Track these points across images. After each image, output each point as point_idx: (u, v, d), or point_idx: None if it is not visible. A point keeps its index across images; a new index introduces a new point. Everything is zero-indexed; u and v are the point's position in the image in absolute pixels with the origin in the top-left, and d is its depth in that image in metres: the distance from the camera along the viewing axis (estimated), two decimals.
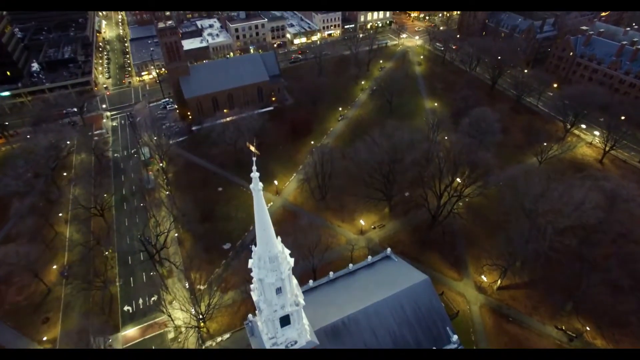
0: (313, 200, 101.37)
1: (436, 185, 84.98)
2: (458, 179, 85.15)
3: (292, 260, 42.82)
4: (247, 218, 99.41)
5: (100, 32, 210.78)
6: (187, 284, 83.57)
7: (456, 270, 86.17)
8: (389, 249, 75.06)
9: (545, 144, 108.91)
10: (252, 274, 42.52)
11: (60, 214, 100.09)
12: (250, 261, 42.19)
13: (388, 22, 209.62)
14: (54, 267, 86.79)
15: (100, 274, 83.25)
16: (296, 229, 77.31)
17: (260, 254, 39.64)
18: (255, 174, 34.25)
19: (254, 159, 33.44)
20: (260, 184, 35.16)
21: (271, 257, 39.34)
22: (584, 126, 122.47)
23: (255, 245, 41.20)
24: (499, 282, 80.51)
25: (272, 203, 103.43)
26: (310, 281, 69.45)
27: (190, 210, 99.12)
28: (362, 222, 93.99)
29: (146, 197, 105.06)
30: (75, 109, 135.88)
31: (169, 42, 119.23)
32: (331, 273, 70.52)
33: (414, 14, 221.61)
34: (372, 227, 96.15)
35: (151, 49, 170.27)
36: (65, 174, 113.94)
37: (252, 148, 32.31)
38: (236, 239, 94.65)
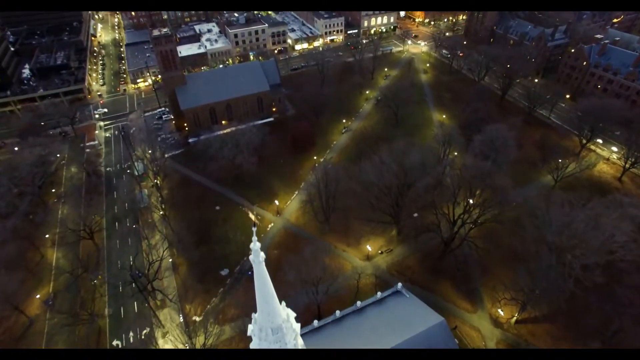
0: (316, 222, 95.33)
1: (449, 212, 78.96)
2: (472, 204, 79.10)
3: (298, 327, 36.82)
4: (245, 240, 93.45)
5: (95, 36, 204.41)
6: (181, 317, 77.51)
7: (470, 301, 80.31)
8: (399, 284, 69.33)
9: (560, 160, 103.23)
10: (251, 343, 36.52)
11: (47, 235, 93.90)
12: (250, 328, 36.17)
13: (392, 27, 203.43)
14: (37, 296, 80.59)
15: (87, 306, 77.07)
16: (299, 261, 71.20)
17: (261, 325, 33.62)
18: (256, 245, 28.23)
19: (254, 229, 27.46)
20: (262, 255, 29.11)
21: (274, 329, 33.35)
22: (600, 141, 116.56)
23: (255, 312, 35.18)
24: (517, 316, 74.69)
25: (272, 224, 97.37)
26: (315, 321, 63.46)
27: (185, 232, 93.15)
28: (368, 247, 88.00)
29: (139, 217, 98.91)
30: (68, 118, 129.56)
31: (164, 51, 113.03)
32: (337, 312, 64.78)
33: (418, 19, 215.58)
34: (379, 252, 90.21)
35: (147, 54, 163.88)
36: (54, 190, 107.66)
37: (252, 217, 26.36)
38: (234, 264, 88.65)
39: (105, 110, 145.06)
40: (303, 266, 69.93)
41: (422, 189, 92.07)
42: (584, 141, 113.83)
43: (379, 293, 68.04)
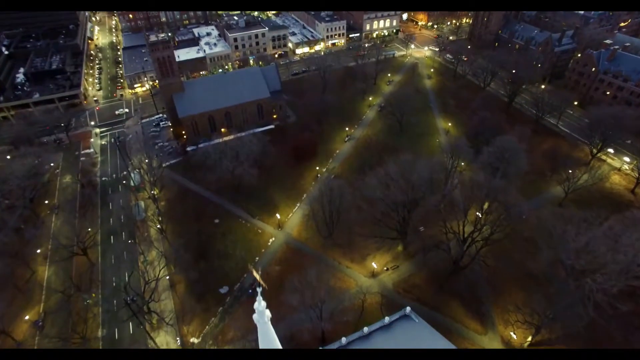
0: (319, 237, 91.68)
1: (459, 230, 75.35)
2: (483, 222, 75.42)
3: None
4: (246, 256, 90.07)
5: (92, 39, 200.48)
6: (178, 340, 73.78)
7: (479, 321, 76.72)
8: (408, 308, 65.71)
9: (570, 171, 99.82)
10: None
11: (39, 251, 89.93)
12: None
13: (394, 31, 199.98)
14: (26, 317, 76.54)
15: (79, 328, 73.12)
16: (303, 284, 67.46)
17: None
18: (261, 305, 24.51)
19: (259, 289, 23.79)
20: (268, 314, 25.37)
21: None
22: (611, 151, 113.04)
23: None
24: (531, 339, 71.10)
25: (273, 239, 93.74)
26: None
27: (183, 247, 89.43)
28: (374, 264, 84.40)
29: (135, 231, 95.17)
30: (62, 125, 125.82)
31: (161, 57, 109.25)
32: (344, 339, 61.10)
33: (421, 22, 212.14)
34: (385, 268, 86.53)
35: (145, 59, 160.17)
36: (47, 201, 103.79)
37: (257, 276, 22.76)
38: (234, 281, 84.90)
39: (127, 110, 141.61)
40: (307, 289, 66.21)
41: (428, 201, 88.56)
42: (595, 151, 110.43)
43: (386, 318, 64.38)
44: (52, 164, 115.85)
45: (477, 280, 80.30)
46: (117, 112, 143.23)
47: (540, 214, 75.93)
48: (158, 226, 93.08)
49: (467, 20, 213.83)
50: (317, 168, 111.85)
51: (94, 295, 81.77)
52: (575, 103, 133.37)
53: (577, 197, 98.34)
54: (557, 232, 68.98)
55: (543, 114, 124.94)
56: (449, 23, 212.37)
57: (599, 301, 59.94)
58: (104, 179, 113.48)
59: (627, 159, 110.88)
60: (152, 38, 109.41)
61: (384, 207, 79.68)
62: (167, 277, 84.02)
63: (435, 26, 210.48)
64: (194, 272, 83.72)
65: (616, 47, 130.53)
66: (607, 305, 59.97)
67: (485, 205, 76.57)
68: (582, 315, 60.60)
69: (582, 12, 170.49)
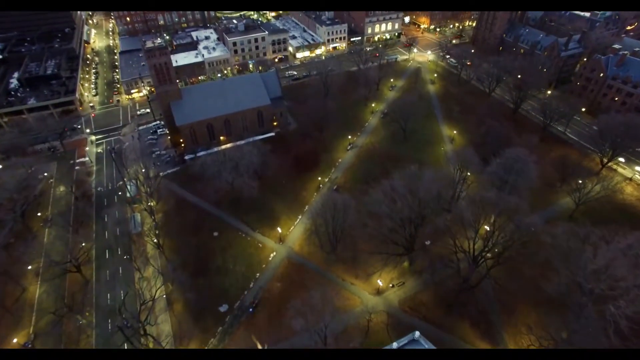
0: (322, 252, 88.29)
1: (470, 248, 72.03)
2: (494, 241, 72.11)
3: None
4: (246, 272, 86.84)
5: (89, 43, 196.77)
6: None
7: (489, 342, 73.49)
8: (417, 333, 62.21)
9: (580, 181, 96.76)
10: None
11: (30, 267, 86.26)
12: None
13: (396, 34, 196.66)
14: (15, 340, 72.76)
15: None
16: (306, 308, 64.10)
17: None
18: None
19: None
20: None
21: None
22: (622, 160, 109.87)
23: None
24: None
25: (274, 253, 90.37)
26: None
27: (181, 263, 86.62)
28: (379, 282, 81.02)
29: (132, 245, 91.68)
30: (57, 133, 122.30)
31: (157, 64, 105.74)
32: None
33: (423, 25, 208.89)
34: (391, 285, 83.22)
35: (142, 63, 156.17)
36: (39, 214, 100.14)
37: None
38: (234, 299, 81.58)
39: (148, 110, 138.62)
40: (310, 313, 62.90)
41: (435, 214, 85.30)
42: (605, 160, 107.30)
43: (394, 343, 61.02)
44: (45, 174, 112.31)
45: (487, 300, 77.01)
46: (138, 113, 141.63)
47: (553, 231, 72.27)
48: (155, 240, 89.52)
49: (470, 24, 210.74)
50: (319, 178, 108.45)
51: (87, 314, 78.33)
52: (583, 109, 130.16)
53: (588, 209, 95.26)
54: (573, 252, 65.60)
55: (551, 121, 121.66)
56: (451, 26, 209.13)
57: (622, 328, 56.60)
58: (99, 189, 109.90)
59: (639, 168, 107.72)
60: (149, 44, 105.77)
61: (391, 223, 76.21)
62: (164, 296, 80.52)
63: (438, 29, 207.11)
64: (192, 290, 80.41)
65: (625, 52, 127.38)
66: (631, 334, 56.64)
67: (494, 220, 73.28)
68: (602, 343, 57.27)
69: (587, 15, 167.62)
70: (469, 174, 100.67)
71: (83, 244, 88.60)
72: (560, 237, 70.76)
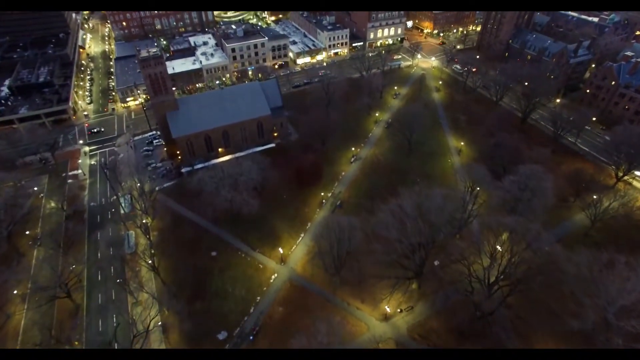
0: (326, 274, 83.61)
1: (484, 275, 67.53)
2: (509, 270, 67.63)
3: None
4: (246, 295, 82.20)
5: (84, 48, 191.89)
6: None
7: None
8: None
9: (595, 196, 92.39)
10: None
11: (16, 291, 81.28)
12: None
13: (399, 39, 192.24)
14: None
15: None
16: (310, 339, 59.53)
17: None
18: None
19: None
20: None
21: None
22: (638, 173, 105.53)
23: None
24: None
25: (276, 275, 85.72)
26: None
27: (177, 286, 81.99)
28: (387, 308, 76.44)
29: (125, 267, 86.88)
30: (48, 145, 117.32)
31: (153, 74, 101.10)
32: None
33: (426, 30, 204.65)
34: (399, 310, 78.64)
35: (138, 70, 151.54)
36: (28, 232, 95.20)
37: None
38: (233, 325, 77.00)
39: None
40: (314, 343, 58.30)
41: (446, 238, 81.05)
42: (620, 173, 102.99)
43: None
44: (35, 188, 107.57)
45: (503, 330, 72.35)
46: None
47: (574, 259, 67.60)
48: (150, 262, 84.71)
49: (475, 28, 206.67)
50: (322, 193, 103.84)
51: (76, 342, 73.55)
52: (594, 119, 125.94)
53: (604, 226, 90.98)
54: (597, 281, 61.05)
55: (562, 131, 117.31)
56: (455, 30, 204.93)
57: None
58: (92, 204, 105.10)
59: None
60: (143, 53, 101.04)
61: (401, 248, 71.67)
62: (160, 324, 75.76)
63: (442, 34, 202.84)
64: (189, 316, 75.64)
65: (638, 59, 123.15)
66: None
67: (511, 247, 68.72)
68: None
69: (596, 20, 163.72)
70: (478, 189, 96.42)
71: (73, 266, 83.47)
72: (581, 263, 66.13)
